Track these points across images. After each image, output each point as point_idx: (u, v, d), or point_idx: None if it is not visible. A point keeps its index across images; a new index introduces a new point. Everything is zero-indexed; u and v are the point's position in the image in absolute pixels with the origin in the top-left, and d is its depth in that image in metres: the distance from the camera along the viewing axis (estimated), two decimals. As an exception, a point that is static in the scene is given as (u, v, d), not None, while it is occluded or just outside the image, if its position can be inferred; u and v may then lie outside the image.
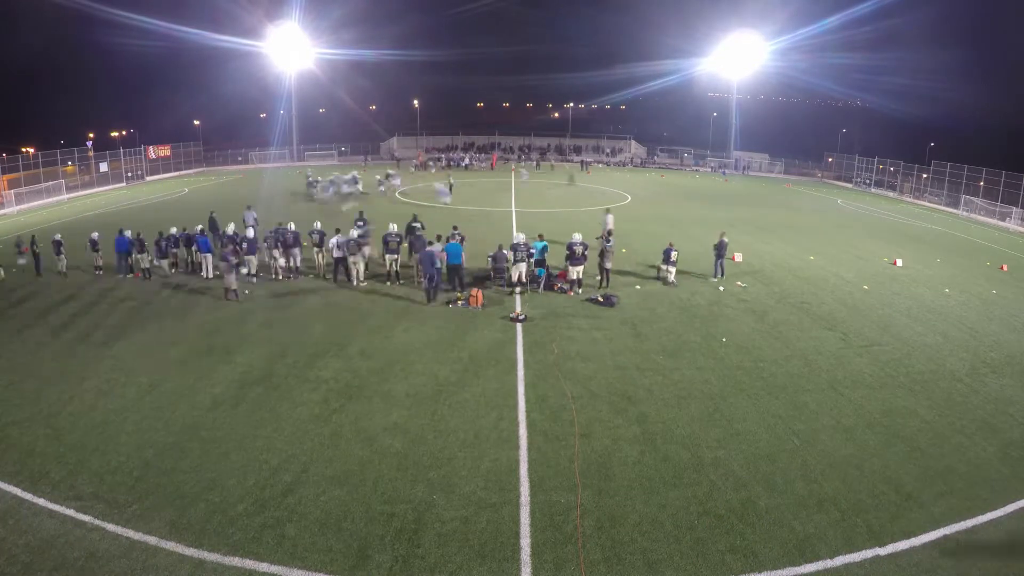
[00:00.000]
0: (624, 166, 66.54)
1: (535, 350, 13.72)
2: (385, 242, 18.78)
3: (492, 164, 60.78)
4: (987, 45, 79.00)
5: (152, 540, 7.53)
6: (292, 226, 19.46)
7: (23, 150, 45.75)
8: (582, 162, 63.01)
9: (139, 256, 19.46)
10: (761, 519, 8.20)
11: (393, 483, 8.80)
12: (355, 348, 13.72)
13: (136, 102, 79.85)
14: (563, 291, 18.08)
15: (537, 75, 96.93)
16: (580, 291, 18.10)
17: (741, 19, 67.10)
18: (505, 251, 18.42)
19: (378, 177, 41.05)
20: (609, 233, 20.99)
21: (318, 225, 19.62)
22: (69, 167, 44.01)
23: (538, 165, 61.66)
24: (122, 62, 76.00)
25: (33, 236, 20.86)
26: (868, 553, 7.61)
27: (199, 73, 76.78)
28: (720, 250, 20.24)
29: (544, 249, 18.86)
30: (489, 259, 19.46)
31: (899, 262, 23.43)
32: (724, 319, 16.19)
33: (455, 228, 19.26)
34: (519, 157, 67.24)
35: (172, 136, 57.86)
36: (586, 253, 18.40)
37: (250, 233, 19.80)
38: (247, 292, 17.77)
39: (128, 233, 19.64)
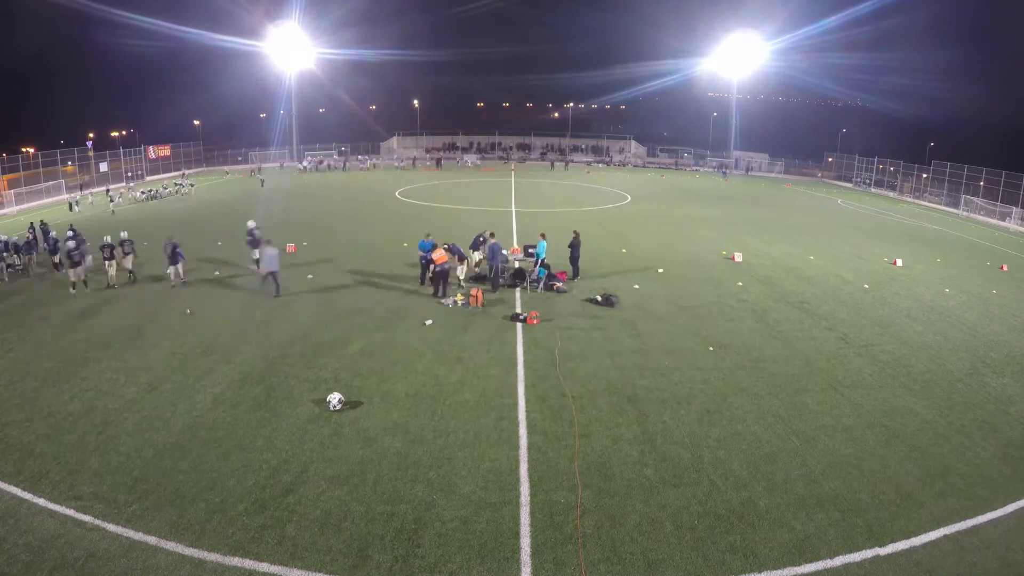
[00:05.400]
0: (624, 166, 66.55)
1: (535, 350, 13.72)
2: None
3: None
4: (987, 45, 78.94)
5: (152, 540, 7.52)
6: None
7: (23, 150, 45.75)
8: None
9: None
10: (761, 519, 8.20)
11: (393, 483, 8.79)
12: (355, 348, 13.72)
13: (136, 102, 79.93)
14: (562, 291, 18.07)
15: (537, 75, 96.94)
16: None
17: (741, 19, 67.25)
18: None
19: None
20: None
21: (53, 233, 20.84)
22: (69, 167, 44.02)
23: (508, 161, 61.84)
24: (122, 62, 76.05)
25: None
26: (868, 553, 7.60)
27: (199, 73, 76.84)
28: (574, 249, 19.30)
29: (544, 248, 18.91)
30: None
31: (899, 262, 23.43)
32: (724, 319, 16.18)
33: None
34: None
35: (172, 136, 57.92)
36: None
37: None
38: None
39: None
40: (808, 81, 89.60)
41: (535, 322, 15.30)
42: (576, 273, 19.58)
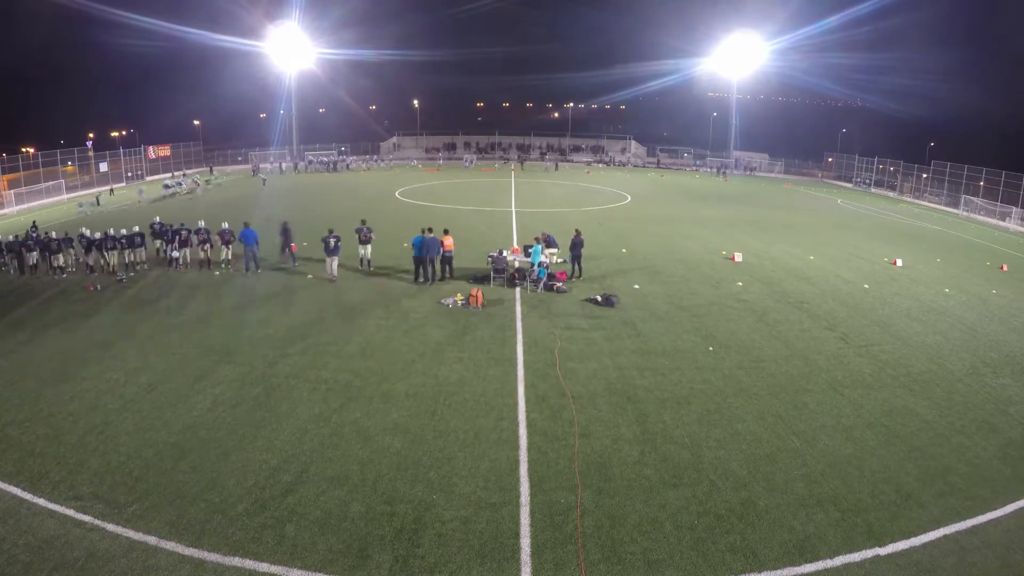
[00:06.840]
0: (625, 166, 66.55)
1: (535, 350, 13.72)
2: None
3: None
4: (987, 45, 78.89)
5: (152, 540, 7.53)
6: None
7: (23, 150, 45.72)
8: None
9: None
10: (761, 519, 8.20)
11: (393, 483, 8.79)
12: (355, 348, 13.72)
13: (136, 102, 79.84)
14: (562, 291, 18.08)
15: (537, 75, 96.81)
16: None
17: (741, 19, 67.19)
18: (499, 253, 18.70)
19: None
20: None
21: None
22: (69, 167, 43.98)
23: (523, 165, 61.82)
24: (122, 62, 75.96)
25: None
26: (868, 553, 7.60)
27: (199, 73, 76.73)
28: (575, 248, 19.49)
29: (539, 252, 18.97)
30: (489, 259, 19.48)
31: (899, 262, 23.43)
32: (724, 319, 16.18)
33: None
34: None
35: (172, 136, 57.85)
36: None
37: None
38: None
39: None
40: (808, 81, 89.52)
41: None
42: (580, 272, 19.60)
